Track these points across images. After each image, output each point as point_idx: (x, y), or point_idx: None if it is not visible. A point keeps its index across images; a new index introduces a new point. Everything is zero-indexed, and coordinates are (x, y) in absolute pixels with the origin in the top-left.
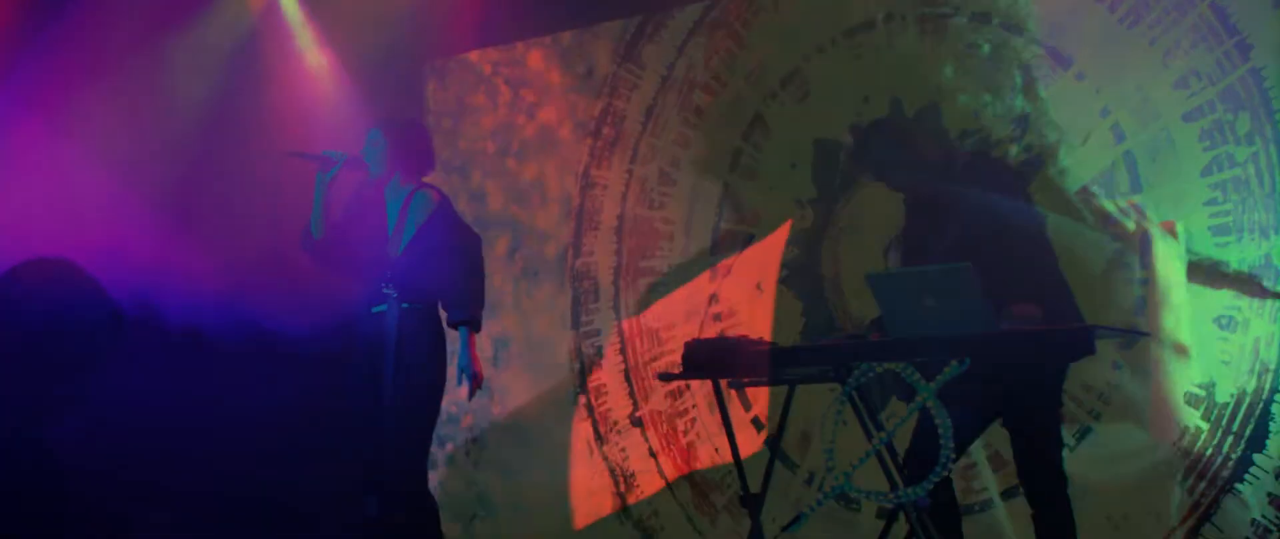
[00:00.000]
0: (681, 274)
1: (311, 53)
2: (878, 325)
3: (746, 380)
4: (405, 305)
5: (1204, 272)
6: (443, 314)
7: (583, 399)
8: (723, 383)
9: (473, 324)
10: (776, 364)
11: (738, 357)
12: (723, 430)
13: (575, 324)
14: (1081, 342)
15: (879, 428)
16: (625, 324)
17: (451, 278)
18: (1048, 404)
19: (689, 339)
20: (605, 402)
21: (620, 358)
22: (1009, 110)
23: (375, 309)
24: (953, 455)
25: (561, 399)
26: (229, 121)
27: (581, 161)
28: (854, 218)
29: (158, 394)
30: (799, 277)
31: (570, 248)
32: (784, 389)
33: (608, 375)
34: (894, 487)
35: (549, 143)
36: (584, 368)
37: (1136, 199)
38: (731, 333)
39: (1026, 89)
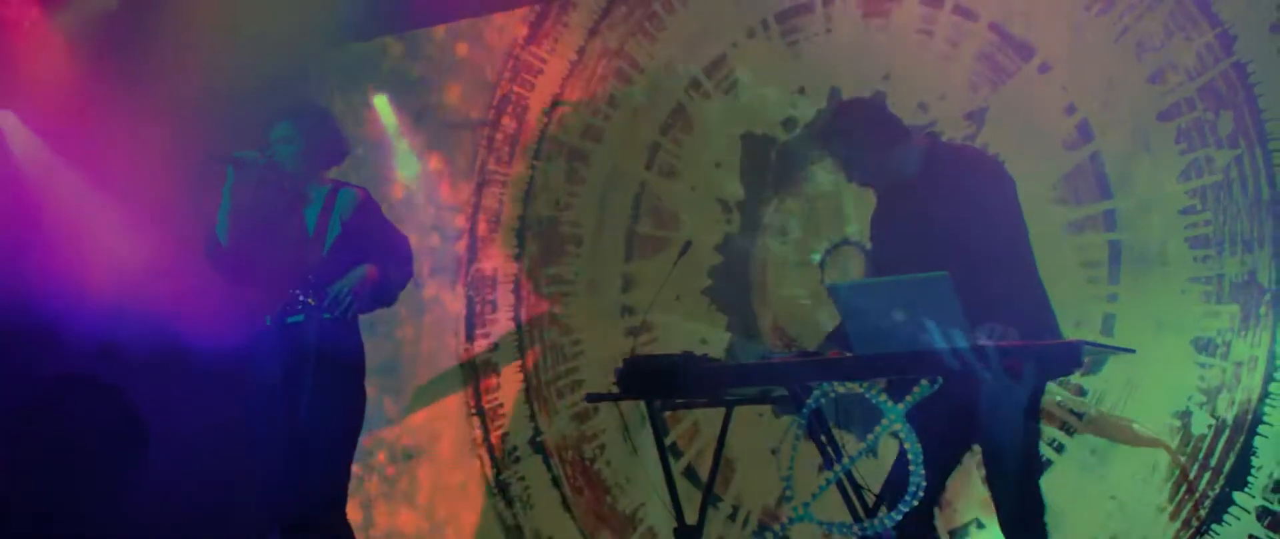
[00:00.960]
0: (591, 283)
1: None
2: (837, 341)
3: (681, 402)
4: (326, 316)
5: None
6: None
7: (476, 422)
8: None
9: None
10: (726, 383)
11: (681, 375)
12: (635, 457)
13: (469, 337)
14: (1068, 358)
15: (840, 455)
16: (529, 338)
17: (380, 278)
18: (1025, 425)
19: (630, 355)
20: (502, 424)
21: (521, 375)
22: (963, 104)
23: (291, 320)
24: (923, 483)
25: (453, 421)
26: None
27: (477, 155)
28: (786, 222)
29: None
30: (724, 287)
31: (464, 251)
32: (701, 414)
33: (506, 395)
34: (857, 518)
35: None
36: (479, 386)
37: (1105, 206)
38: (644, 349)
39: (982, 81)
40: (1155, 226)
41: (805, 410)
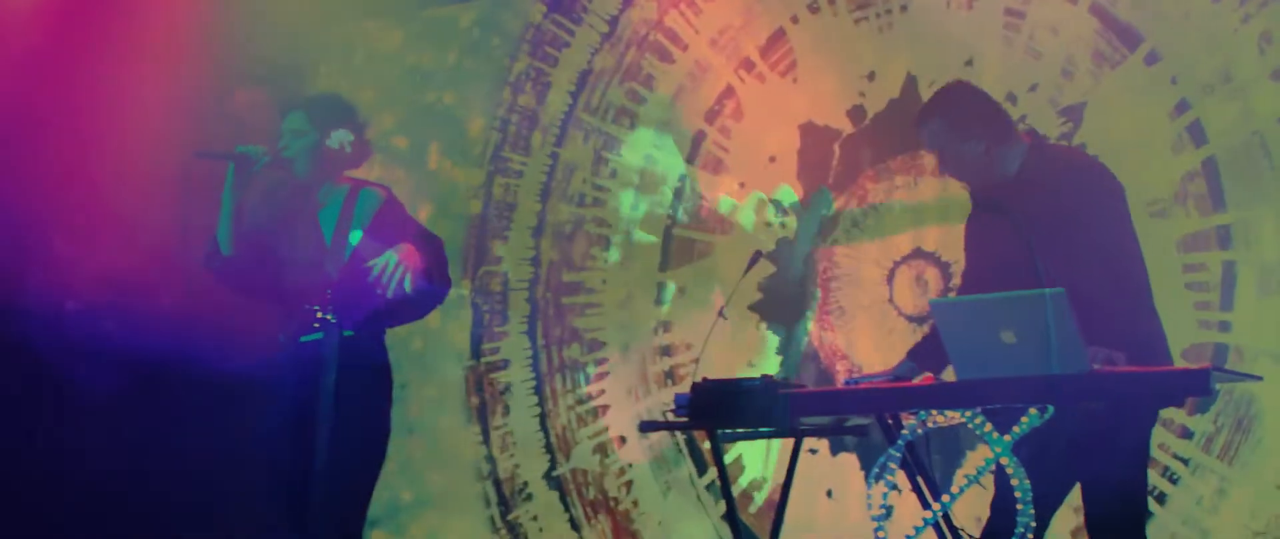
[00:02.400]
0: (619, 293)
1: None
2: (921, 359)
3: (743, 431)
4: (346, 333)
5: None
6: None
7: (483, 451)
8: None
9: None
10: (803, 411)
11: (760, 402)
12: (669, 497)
13: (475, 354)
14: (1194, 386)
15: (938, 493)
16: (542, 355)
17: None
18: (1135, 460)
19: (697, 380)
20: (512, 455)
21: (535, 399)
22: (1057, 99)
23: (306, 339)
24: (1032, 524)
25: (455, 451)
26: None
27: (488, 139)
28: (849, 228)
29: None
30: (775, 302)
31: (470, 253)
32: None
33: (517, 421)
34: None
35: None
36: (486, 411)
37: (1218, 220)
38: (682, 372)
39: (1081, 72)
40: (1276, 245)
41: (900, 442)
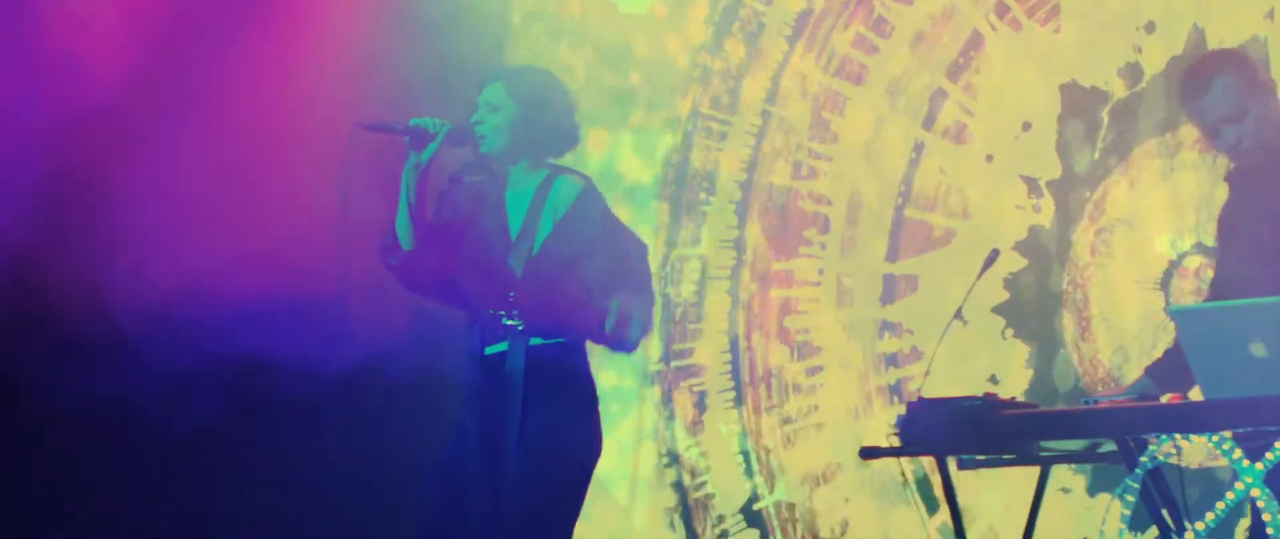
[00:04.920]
0: (839, 287)
1: None
2: (1160, 377)
3: (982, 458)
4: (535, 342)
5: None
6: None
7: (670, 477)
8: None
9: (627, 349)
10: (1042, 435)
11: (987, 425)
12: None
13: (665, 357)
14: None
15: (1181, 527)
16: (744, 361)
17: (606, 295)
18: None
19: (913, 398)
20: (705, 482)
21: (734, 414)
22: None
23: (490, 350)
24: None
25: (636, 478)
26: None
27: (686, 94)
28: (1119, 213)
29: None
30: (1025, 303)
31: (662, 231)
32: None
33: (712, 440)
34: None
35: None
36: (674, 428)
37: None
38: (912, 386)
39: None
40: None
41: (1140, 470)
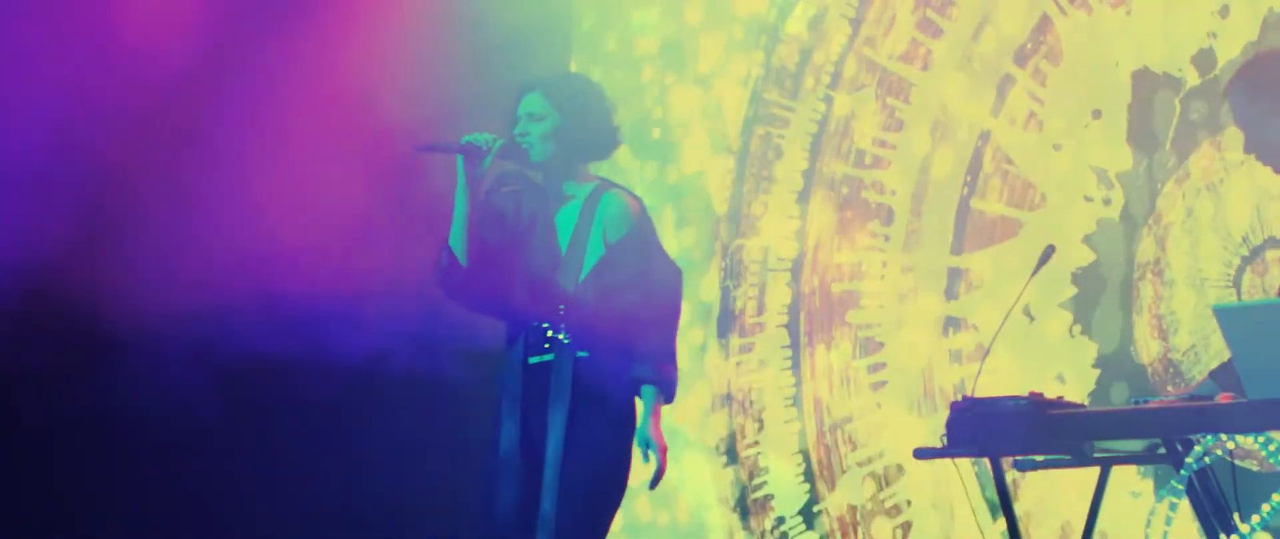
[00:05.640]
0: (902, 280)
1: None
2: (1223, 383)
3: (1040, 459)
4: (581, 354)
5: None
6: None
7: (729, 477)
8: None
9: (663, 385)
10: (1083, 435)
11: (1032, 425)
12: None
13: (723, 351)
14: None
15: (1231, 529)
16: (805, 357)
17: (643, 321)
18: None
19: (957, 398)
20: (764, 482)
21: (794, 412)
22: None
23: (534, 360)
24: None
25: (690, 477)
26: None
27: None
28: (1192, 205)
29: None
30: (1094, 299)
31: (721, 222)
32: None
33: (772, 439)
34: None
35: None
36: (733, 425)
37: None
38: (979, 383)
39: None
40: None
41: (1185, 472)
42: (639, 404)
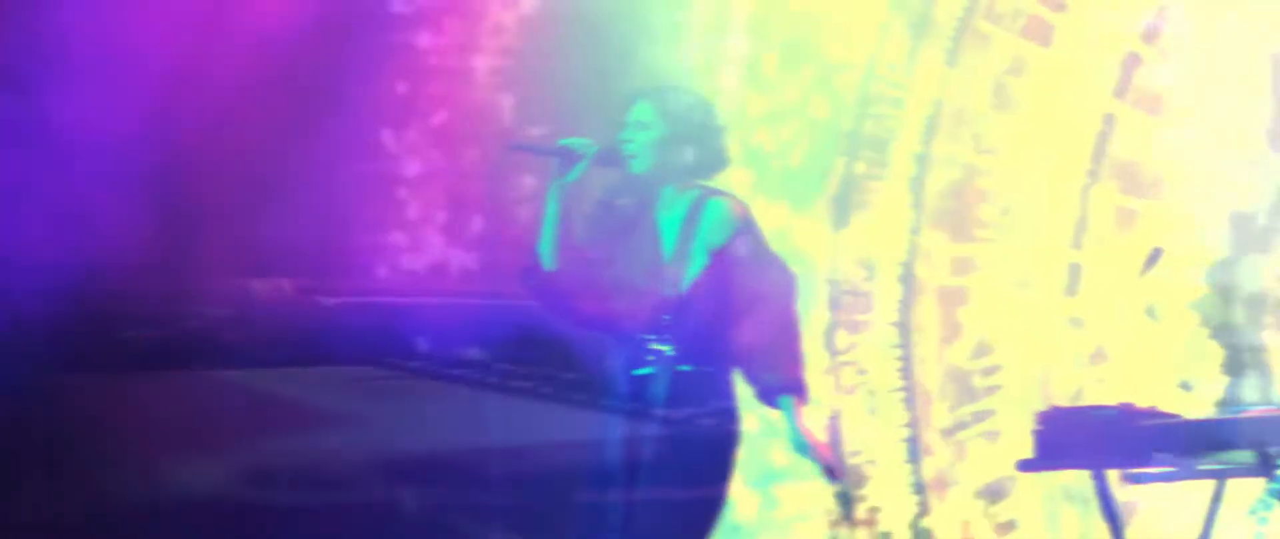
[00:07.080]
0: (1018, 274)
1: None
2: None
3: (1151, 471)
4: (684, 368)
5: None
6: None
7: (836, 485)
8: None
9: (797, 390)
10: (1172, 447)
11: (1125, 435)
12: None
13: (829, 349)
14: None
15: None
16: (915, 357)
17: (757, 332)
18: None
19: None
20: (866, 495)
21: (905, 417)
22: None
23: (636, 373)
24: None
25: (789, 489)
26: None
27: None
28: None
29: None
30: (1223, 299)
31: (830, 208)
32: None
33: (879, 447)
34: None
35: None
36: (838, 430)
37: None
38: (1102, 389)
39: None
40: None
41: (1275, 485)
42: (779, 415)
